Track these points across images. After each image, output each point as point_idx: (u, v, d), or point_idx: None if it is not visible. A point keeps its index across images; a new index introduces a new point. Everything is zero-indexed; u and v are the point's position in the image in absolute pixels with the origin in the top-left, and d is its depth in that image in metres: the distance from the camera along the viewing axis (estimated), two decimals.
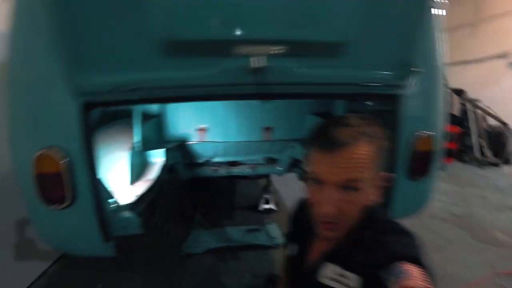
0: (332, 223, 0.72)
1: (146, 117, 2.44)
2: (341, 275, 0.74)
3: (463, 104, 6.14)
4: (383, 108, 1.56)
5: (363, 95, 1.39)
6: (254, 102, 2.50)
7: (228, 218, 3.31)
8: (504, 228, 3.20)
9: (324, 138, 0.69)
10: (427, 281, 0.61)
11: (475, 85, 6.65)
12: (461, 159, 6.23)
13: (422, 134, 1.48)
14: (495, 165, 5.81)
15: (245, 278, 2.31)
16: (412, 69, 1.25)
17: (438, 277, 2.05)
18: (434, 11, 1.43)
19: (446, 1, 1.52)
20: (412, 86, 1.41)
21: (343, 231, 0.74)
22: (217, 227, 3.03)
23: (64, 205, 1.28)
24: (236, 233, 2.89)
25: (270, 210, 3.40)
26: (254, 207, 3.47)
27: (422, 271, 0.63)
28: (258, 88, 1.17)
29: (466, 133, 6.16)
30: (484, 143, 5.94)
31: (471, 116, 6.03)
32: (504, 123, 5.85)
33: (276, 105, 2.69)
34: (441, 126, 1.58)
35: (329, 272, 0.77)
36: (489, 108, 6.11)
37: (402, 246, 0.70)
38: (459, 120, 6.13)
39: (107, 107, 1.44)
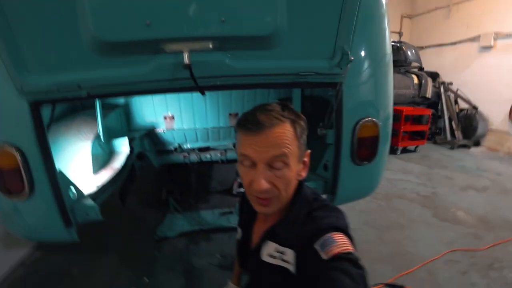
0: (266, 199, 0.78)
1: (112, 106, 2.43)
2: (279, 252, 0.82)
3: (437, 87, 6.31)
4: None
5: (304, 84, 1.40)
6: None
7: (203, 202, 3.36)
8: (466, 207, 3.39)
9: (250, 123, 0.75)
10: (352, 247, 0.71)
11: (448, 68, 6.83)
12: (433, 141, 6.48)
13: (367, 120, 1.53)
14: (465, 147, 6.07)
15: (215, 259, 2.39)
16: (349, 57, 1.28)
17: (398, 254, 2.18)
18: None
19: None
20: (355, 73, 1.45)
21: (277, 207, 0.81)
22: (192, 211, 3.08)
23: (23, 196, 1.32)
24: (210, 216, 2.95)
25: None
26: (229, 191, 3.54)
27: (348, 239, 0.73)
28: (194, 82, 1.20)
29: (439, 116, 6.37)
30: (455, 126, 6.17)
31: (443, 99, 6.22)
32: (475, 107, 6.06)
33: (242, 92, 2.71)
34: (388, 111, 1.63)
35: (269, 250, 0.85)
36: (460, 91, 6.30)
37: (330, 219, 0.78)
38: (433, 103, 6.32)
39: (57, 103, 1.48)
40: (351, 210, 3.27)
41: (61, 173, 1.44)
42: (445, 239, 2.74)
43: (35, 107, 1.24)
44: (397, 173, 4.57)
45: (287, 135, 0.75)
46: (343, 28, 1.27)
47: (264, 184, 0.74)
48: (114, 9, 1.07)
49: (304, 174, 0.85)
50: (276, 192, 0.77)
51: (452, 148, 6.00)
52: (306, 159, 0.84)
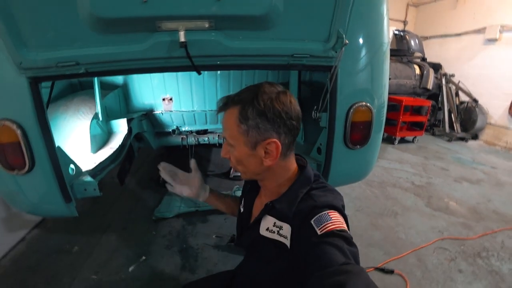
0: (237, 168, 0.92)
1: (111, 87, 2.43)
2: (277, 226, 0.86)
3: (439, 79, 6.26)
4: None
5: (299, 66, 1.41)
6: (219, 72, 2.54)
7: None
8: (458, 198, 3.44)
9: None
10: (345, 225, 0.76)
11: (451, 60, 6.74)
12: (432, 132, 6.50)
13: (361, 104, 1.54)
14: (463, 139, 6.09)
15: (211, 239, 2.45)
16: (344, 40, 1.27)
17: (390, 240, 2.22)
18: None
19: None
20: (351, 58, 1.45)
21: (245, 176, 0.93)
22: None
23: (24, 171, 1.36)
24: None
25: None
26: (226, 174, 3.58)
27: (342, 218, 0.77)
28: (190, 61, 1.21)
29: (439, 108, 6.36)
30: (454, 118, 6.16)
31: (444, 91, 6.19)
32: (475, 100, 6.04)
33: (240, 75, 2.71)
34: (382, 99, 1.64)
35: (268, 224, 0.89)
36: (461, 83, 6.27)
37: (327, 198, 0.82)
38: (434, 95, 6.29)
39: (56, 80, 1.48)
40: (345, 196, 3.29)
41: (60, 149, 1.47)
42: (436, 227, 2.80)
43: (34, 84, 1.26)
44: (393, 162, 4.60)
45: (230, 120, 0.84)
46: (339, 11, 1.27)
47: (222, 153, 0.92)
48: None
49: (268, 162, 0.85)
50: (233, 164, 0.92)
51: (450, 140, 6.02)
52: (269, 147, 0.82)
